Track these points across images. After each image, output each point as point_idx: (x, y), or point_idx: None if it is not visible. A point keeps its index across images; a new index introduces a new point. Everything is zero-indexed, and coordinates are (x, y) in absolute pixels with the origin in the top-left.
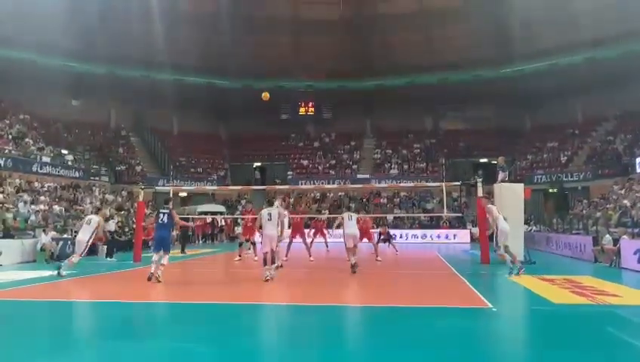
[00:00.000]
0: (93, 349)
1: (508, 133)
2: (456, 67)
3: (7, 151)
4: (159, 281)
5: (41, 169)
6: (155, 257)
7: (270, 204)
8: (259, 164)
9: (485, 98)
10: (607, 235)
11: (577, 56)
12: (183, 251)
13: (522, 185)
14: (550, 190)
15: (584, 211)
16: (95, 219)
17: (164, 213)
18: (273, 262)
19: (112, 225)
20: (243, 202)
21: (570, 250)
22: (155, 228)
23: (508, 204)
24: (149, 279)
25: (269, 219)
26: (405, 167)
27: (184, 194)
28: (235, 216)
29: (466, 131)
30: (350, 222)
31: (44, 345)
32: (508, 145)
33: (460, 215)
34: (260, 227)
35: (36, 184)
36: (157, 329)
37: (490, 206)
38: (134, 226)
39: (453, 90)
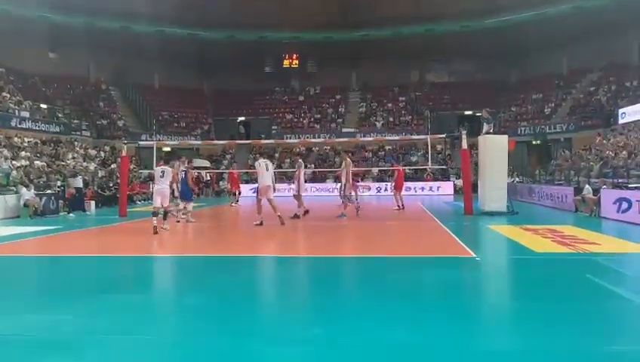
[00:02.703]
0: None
1: (493, 86)
2: (443, 18)
3: None
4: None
5: (20, 124)
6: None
7: (270, 157)
8: (243, 118)
9: (471, 50)
10: (588, 185)
11: (566, 5)
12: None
13: (506, 136)
14: (534, 142)
15: (567, 162)
16: (168, 169)
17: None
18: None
19: (79, 182)
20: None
21: (552, 200)
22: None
23: (492, 155)
24: (156, 233)
25: (267, 170)
26: (390, 120)
27: (168, 149)
28: (221, 171)
29: (452, 84)
30: (267, 173)
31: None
32: (493, 97)
33: (444, 167)
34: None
35: (16, 139)
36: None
37: (348, 160)
38: (118, 181)
39: (439, 41)
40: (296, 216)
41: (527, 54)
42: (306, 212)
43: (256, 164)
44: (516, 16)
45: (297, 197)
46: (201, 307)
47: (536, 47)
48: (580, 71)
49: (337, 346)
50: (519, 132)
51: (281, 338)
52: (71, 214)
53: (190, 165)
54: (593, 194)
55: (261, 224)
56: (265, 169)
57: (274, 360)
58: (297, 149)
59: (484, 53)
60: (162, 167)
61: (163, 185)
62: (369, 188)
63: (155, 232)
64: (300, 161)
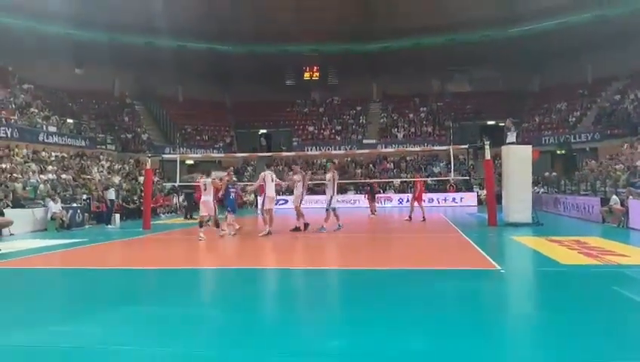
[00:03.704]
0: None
1: (516, 95)
2: (464, 28)
3: (12, 121)
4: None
5: (47, 138)
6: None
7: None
8: (264, 130)
9: (493, 59)
10: (615, 196)
11: (587, 14)
12: (186, 217)
13: (530, 146)
14: (558, 151)
15: (593, 172)
16: (209, 181)
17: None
18: (271, 220)
19: (112, 194)
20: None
21: (578, 211)
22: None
23: (516, 165)
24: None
25: (272, 181)
26: (412, 130)
27: (191, 161)
28: (243, 183)
29: (473, 93)
30: (271, 184)
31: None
32: (516, 106)
33: (467, 178)
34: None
35: (43, 153)
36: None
37: (335, 171)
38: (142, 194)
39: (460, 51)
40: (296, 229)
41: (551, 63)
42: (306, 225)
43: (262, 175)
44: (538, 25)
45: (298, 208)
46: (224, 319)
47: (560, 55)
48: (605, 79)
49: (362, 357)
50: (543, 141)
51: (307, 350)
52: (110, 225)
53: (230, 177)
54: (621, 205)
55: (269, 234)
56: (270, 180)
57: None
58: (317, 161)
59: (507, 62)
60: (205, 179)
61: (208, 196)
62: (391, 200)
63: (200, 238)
64: (299, 169)
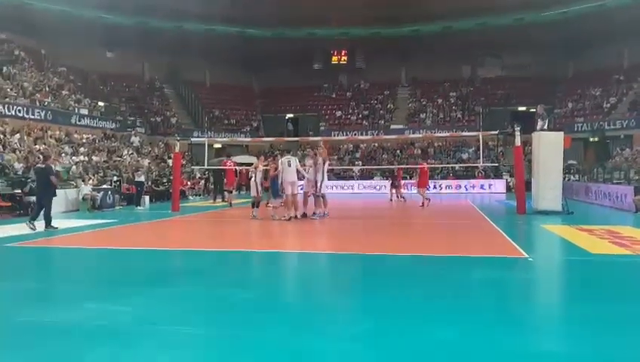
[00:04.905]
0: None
1: (548, 80)
2: (496, 11)
3: (46, 103)
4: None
5: (79, 121)
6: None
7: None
8: (291, 115)
9: (525, 44)
10: None
11: None
12: (215, 200)
13: (562, 133)
14: (591, 139)
15: (627, 160)
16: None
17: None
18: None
19: (142, 176)
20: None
21: (610, 200)
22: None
23: (547, 153)
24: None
25: (290, 166)
26: (441, 116)
27: (218, 145)
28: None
29: (504, 79)
30: (290, 169)
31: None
32: (548, 92)
33: (496, 165)
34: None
35: (75, 136)
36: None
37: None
38: (171, 177)
39: (491, 35)
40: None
41: (585, 47)
42: (304, 215)
43: (280, 161)
44: (574, 8)
45: (317, 196)
46: (254, 300)
47: (595, 39)
48: None
49: (391, 344)
50: (575, 128)
51: (332, 334)
52: (139, 207)
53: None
54: None
55: (290, 219)
56: (287, 165)
57: (324, 355)
58: (344, 146)
59: (539, 47)
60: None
61: (256, 178)
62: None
63: (253, 217)
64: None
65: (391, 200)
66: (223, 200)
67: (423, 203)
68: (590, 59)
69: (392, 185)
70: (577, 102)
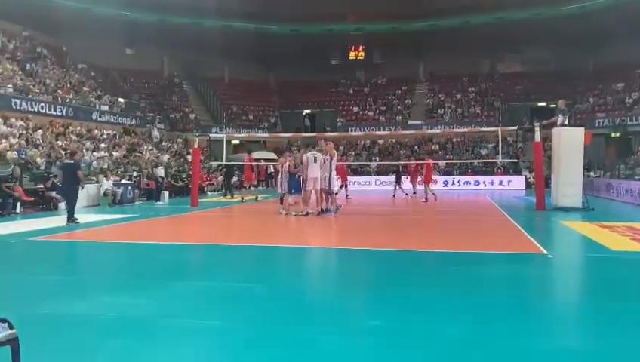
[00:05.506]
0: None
1: (568, 75)
2: (514, 5)
3: (68, 100)
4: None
5: (100, 117)
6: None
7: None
8: (308, 111)
9: (545, 38)
10: None
11: None
12: (228, 195)
13: (583, 129)
14: (613, 134)
15: None
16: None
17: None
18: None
19: (161, 171)
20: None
21: (632, 196)
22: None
23: (567, 149)
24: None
25: (315, 162)
26: (459, 111)
27: (236, 141)
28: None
29: (524, 74)
30: (315, 165)
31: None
32: (568, 87)
33: (515, 160)
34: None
35: (96, 131)
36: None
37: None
38: (190, 172)
39: (511, 30)
40: (322, 212)
41: (607, 41)
42: (321, 211)
43: (304, 157)
44: (592, 1)
45: (328, 191)
46: (272, 295)
47: (617, 33)
48: None
49: (402, 338)
50: (597, 124)
51: (345, 328)
52: (159, 202)
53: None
54: None
55: (307, 215)
56: (313, 161)
57: (336, 350)
58: (361, 142)
59: (560, 41)
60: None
61: (282, 174)
62: (435, 182)
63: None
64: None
65: (394, 196)
66: (233, 197)
67: (426, 198)
68: (611, 53)
69: (397, 182)
70: (599, 98)
